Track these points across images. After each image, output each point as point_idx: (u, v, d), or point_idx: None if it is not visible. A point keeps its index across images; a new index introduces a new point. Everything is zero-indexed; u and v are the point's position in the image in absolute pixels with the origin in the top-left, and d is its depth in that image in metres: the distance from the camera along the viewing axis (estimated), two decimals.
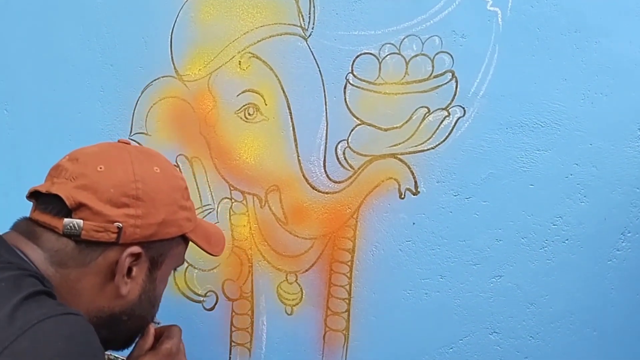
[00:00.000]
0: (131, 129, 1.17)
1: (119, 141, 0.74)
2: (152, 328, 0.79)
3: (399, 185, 1.07)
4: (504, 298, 1.04)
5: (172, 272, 0.81)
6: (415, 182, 1.06)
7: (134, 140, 1.17)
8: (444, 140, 1.04)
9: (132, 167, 0.68)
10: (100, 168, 0.66)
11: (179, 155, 1.16)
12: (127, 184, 0.66)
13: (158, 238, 0.69)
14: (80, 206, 0.64)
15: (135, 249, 0.67)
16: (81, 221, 0.63)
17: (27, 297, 0.55)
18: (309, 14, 1.08)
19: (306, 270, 1.12)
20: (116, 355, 0.93)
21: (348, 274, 1.10)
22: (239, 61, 1.12)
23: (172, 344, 0.79)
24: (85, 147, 0.72)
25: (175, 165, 0.71)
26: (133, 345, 0.79)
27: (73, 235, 0.64)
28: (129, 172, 0.67)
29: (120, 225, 0.65)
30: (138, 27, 1.16)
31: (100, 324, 0.67)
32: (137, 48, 1.17)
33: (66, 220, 0.63)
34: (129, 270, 0.68)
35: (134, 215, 0.66)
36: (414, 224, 1.06)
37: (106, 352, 0.89)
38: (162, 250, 0.72)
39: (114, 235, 0.65)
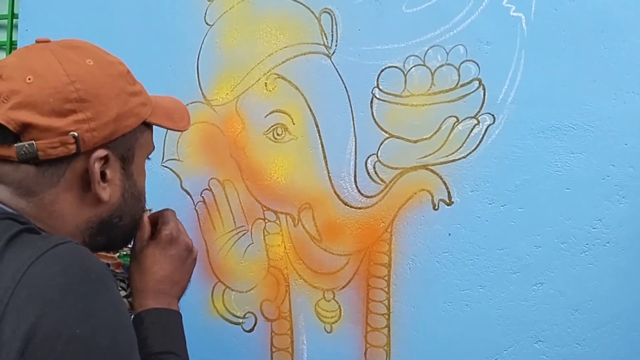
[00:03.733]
0: (163, 155, 1.21)
1: (36, 41, 0.67)
2: (145, 217, 0.80)
3: (432, 197, 1.09)
4: (547, 305, 1.04)
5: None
6: (449, 192, 1.08)
7: (167, 167, 1.21)
8: (475, 149, 1.06)
9: (62, 67, 0.62)
10: (29, 79, 0.60)
11: (212, 179, 1.20)
12: (64, 88, 0.61)
13: (119, 134, 0.66)
14: (25, 127, 0.59)
15: (101, 153, 0.64)
16: (33, 142, 0.59)
17: (7, 243, 0.54)
18: (332, 32, 1.12)
19: (343, 287, 1.14)
20: (123, 253, 0.94)
21: (386, 289, 1.11)
22: (265, 83, 1.16)
23: (170, 228, 0.80)
24: (1, 60, 0.66)
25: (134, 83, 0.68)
26: (133, 240, 0.81)
27: (31, 160, 0.60)
28: (60, 74, 0.61)
29: (75, 134, 0.61)
30: (165, 55, 1.21)
31: (94, 234, 0.68)
32: (165, 75, 1.22)
33: (17, 145, 0.60)
34: (103, 174, 0.65)
35: (84, 119, 0.62)
36: (449, 234, 1.08)
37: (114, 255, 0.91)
38: (128, 144, 0.68)
39: (73, 147, 0.61)
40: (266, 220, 1.18)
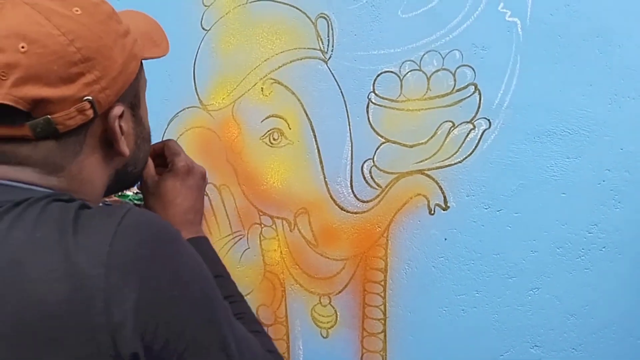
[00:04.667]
0: None
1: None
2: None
3: (428, 201, 1.10)
4: (543, 310, 1.05)
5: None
6: (445, 197, 1.09)
7: None
8: (471, 154, 1.07)
9: (52, 25, 0.56)
10: (23, 47, 0.55)
11: (208, 183, 1.19)
12: (65, 51, 0.57)
13: (128, 84, 0.64)
14: (36, 103, 0.56)
15: (118, 110, 0.62)
16: (48, 117, 0.57)
17: (74, 227, 0.54)
18: (328, 36, 1.13)
19: (339, 292, 1.15)
20: (133, 192, 0.95)
21: (382, 294, 1.12)
22: (262, 88, 1.17)
23: (184, 159, 0.80)
24: None
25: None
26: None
27: (50, 135, 0.58)
28: (55, 35, 0.56)
29: (90, 98, 0.58)
30: (161, 60, 1.16)
31: (111, 185, 0.69)
32: (162, 81, 1.23)
33: (30, 123, 0.56)
34: (120, 129, 0.64)
35: (94, 79, 0.59)
36: (445, 239, 1.09)
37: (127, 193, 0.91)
38: (134, 90, 0.67)
39: (90, 112, 0.59)
40: (262, 225, 1.20)
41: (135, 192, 0.87)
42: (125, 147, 0.65)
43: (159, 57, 0.72)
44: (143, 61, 0.68)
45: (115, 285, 0.51)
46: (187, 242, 0.60)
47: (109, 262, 0.52)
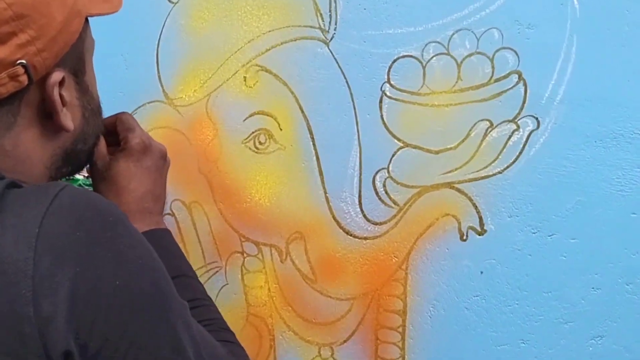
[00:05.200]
0: None
1: None
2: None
3: (459, 224, 1.08)
4: None
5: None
6: (480, 218, 1.07)
7: None
8: (514, 162, 1.06)
9: None
10: None
11: (174, 200, 1.20)
12: None
13: (69, 45, 0.67)
14: None
15: (57, 76, 0.66)
16: None
17: (0, 200, 0.57)
18: (330, 11, 1.11)
19: (344, 342, 1.14)
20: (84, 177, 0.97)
21: (400, 344, 1.11)
22: (244, 77, 1.16)
23: (139, 135, 0.84)
24: None
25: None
26: None
27: None
28: None
29: (24, 61, 0.62)
30: (114, 41, 1.20)
31: (60, 167, 0.72)
32: (115, 68, 1.21)
33: None
34: (61, 98, 0.67)
35: (29, 40, 0.62)
36: (482, 273, 1.08)
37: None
38: (77, 52, 0.70)
39: (24, 78, 0.62)
40: (245, 255, 1.18)
41: (86, 175, 0.92)
42: (68, 121, 0.68)
43: (108, 13, 0.74)
44: (89, 22, 0.72)
45: (45, 272, 0.53)
46: (134, 227, 0.63)
47: (39, 245, 0.54)
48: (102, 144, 0.83)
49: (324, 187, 1.14)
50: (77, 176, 0.97)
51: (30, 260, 0.53)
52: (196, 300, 0.77)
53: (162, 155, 0.88)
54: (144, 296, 0.59)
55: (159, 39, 1.19)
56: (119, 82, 1.20)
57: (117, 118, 0.86)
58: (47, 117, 0.67)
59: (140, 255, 0.61)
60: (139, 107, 1.21)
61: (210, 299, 0.82)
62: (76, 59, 0.70)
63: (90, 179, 0.89)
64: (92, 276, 0.55)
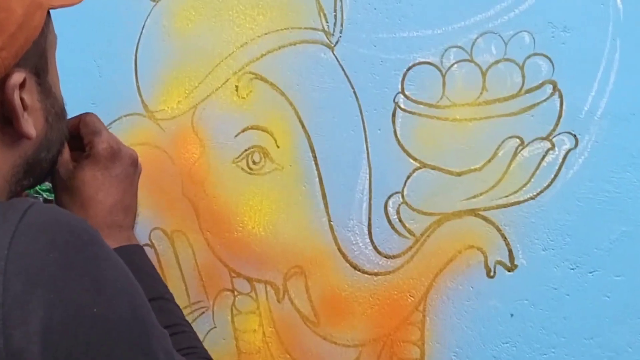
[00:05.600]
0: None
1: None
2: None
3: (486, 258, 1.08)
4: None
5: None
6: (510, 251, 1.07)
7: None
8: (548, 186, 1.05)
9: None
10: None
11: (154, 229, 1.19)
12: None
13: (31, 42, 0.68)
14: None
15: (18, 78, 0.66)
16: None
17: None
18: (335, 11, 1.11)
19: None
20: (42, 189, 1.01)
21: None
22: (236, 86, 1.15)
23: (106, 139, 0.85)
24: None
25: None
26: None
27: None
28: None
29: None
30: (85, 45, 1.20)
31: (20, 179, 0.72)
32: (88, 75, 1.20)
33: None
34: (22, 102, 0.68)
35: None
36: (512, 315, 1.07)
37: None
38: (40, 50, 0.71)
39: None
40: (236, 293, 1.17)
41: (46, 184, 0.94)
42: (30, 127, 0.68)
43: (73, 4, 0.75)
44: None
45: (16, 299, 0.54)
46: (109, 246, 0.64)
47: (8, 269, 0.55)
48: (66, 150, 0.84)
49: (327, 214, 1.13)
50: None
51: (0, 285, 0.54)
52: (175, 326, 0.78)
53: (132, 162, 0.88)
54: (123, 325, 0.60)
55: (138, 42, 1.19)
56: (91, 92, 1.19)
57: (81, 120, 0.87)
58: (6, 124, 0.68)
59: (117, 279, 0.62)
60: (114, 120, 1.20)
61: (189, 323, 0.84)
62: (38, 57, 0.71)
63: (47, 185, 0.91)
64: (68, 303, 0.56)
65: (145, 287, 0.72)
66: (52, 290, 0.56)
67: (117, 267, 0.63)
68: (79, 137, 0.86)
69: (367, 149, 1.11)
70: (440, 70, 1.08)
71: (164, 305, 0.82)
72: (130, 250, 0.84)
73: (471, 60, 1.07)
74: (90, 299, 0.58)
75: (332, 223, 1.13)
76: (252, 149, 1.16)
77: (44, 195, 1.03)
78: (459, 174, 1.08)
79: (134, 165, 0.89)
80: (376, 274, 1.12)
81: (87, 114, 0.88)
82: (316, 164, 1.14)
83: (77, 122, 0.86)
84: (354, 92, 1.11)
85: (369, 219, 1.12)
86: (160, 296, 0.82)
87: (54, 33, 0.76)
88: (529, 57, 1.05)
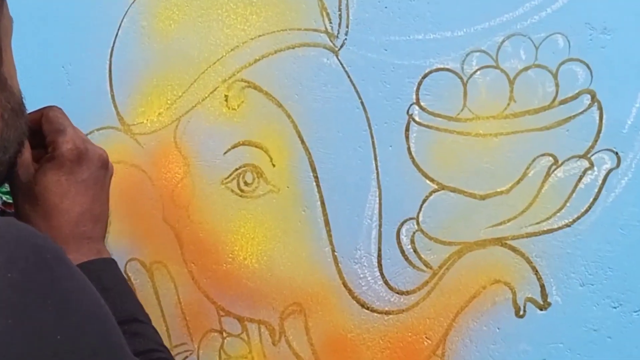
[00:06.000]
0: None
1: None
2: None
3: (514, 294, 1.05)
4: None
5: None
6: (542, 286, 1.04)
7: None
8: (586, 211, 1.02)
9: None
10: None
11: (130, 260, 1.16)
12: None
13: None
14: None
15: None
16: None
17: None
18: (339, 10, 1.08)
19: None
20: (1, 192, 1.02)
21: None
22: (226, 95, 1.12)
23: (71, 138, 0.82)
24: None
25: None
26: None
27: None
28: None
29: None
30: (53, 50, 1.18)
31: None
32: (54, 84, 1.18)
33: None
34: None
35: None
36: None
37: None
38: None
39: None
40: (225, 334, 1.14)
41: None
42: None
43: None
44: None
45: None
46: (75, 266, 0.63)
47: None
48: (27, 150, 0.82)
49: (331, 244, 1.10)
50: None
51: None
52: (149, 353, 0.77)
53: (102, 164, 0.85)
54: (91, 354, 0.58)
55: (113, 45, 1.16)
56: (59, 102, 1.06)
57: (43, 114, 0.84)
58: None
59: (85, 300, 0.60)
60: (87, 134, 1.12)
61: (167, 349, 0.81)
62: None
63: (6, 187, 0.89)
64: (29, 330, 0.54)
65: (115, 307, 0.70)
66: (9, 315, 0.53)
67: (85, 289, 0.61)
68: (40, 133, 0.84)
69: (377, 169, 1.08)
70: (461, 78, 1.04)
71: (138, 329, 0.79)
72: (100, 265, 0.81)
73: (497, 67, 1.03)
74: (53, 325, 0.55)
75: (336, 254, 1.10)
76: (243, 168, 1.13)
77: (4, 198, 1.01)
78: (483, 198, 1.05)
79: (104, 167, 0.86)
80: (387, 313, 1.09)
81: (50, 108, 0.85)
82: (318, 186, 1.10)
83: (39, 117, 0.83)
84: (362, 103, 1.08)
85: (379, 249, 1.08)
86: (132, 318, 0.79)
87: (9, 16, 0.74)
88: (563, 62, 1.01)
